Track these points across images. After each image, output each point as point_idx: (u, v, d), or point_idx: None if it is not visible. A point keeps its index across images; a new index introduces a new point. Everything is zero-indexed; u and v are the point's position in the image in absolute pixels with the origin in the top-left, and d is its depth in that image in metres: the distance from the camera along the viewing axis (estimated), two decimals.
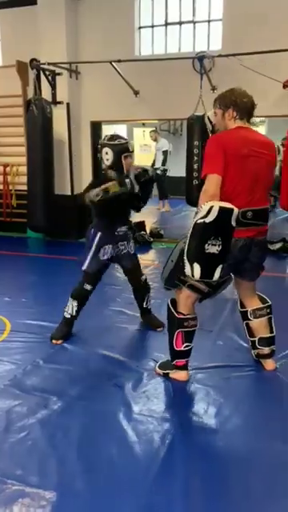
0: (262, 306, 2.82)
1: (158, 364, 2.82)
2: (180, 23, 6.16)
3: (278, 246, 5.86)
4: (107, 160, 3.18)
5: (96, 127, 6.75)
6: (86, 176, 6.74)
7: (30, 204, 6.07)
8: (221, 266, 2.26)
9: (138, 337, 3.47)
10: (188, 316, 2.60)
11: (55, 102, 6.21)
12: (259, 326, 2.81)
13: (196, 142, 5.43)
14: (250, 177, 2.38)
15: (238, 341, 3.26)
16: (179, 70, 5.80)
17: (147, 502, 1.81)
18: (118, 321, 3.69)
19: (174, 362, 2.69)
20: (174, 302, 2.65)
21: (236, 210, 2.22)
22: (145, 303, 3.53)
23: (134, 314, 3.72)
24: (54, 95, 6.24)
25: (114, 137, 3.24)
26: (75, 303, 3.26)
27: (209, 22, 6.02)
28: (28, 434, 2.23)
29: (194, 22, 6.09)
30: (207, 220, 2.17)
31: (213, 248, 2.20)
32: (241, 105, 2.50)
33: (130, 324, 3.62)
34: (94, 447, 2.15)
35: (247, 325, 2.86)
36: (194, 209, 4.50)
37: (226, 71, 5.54)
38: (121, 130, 12.55)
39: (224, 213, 2.19)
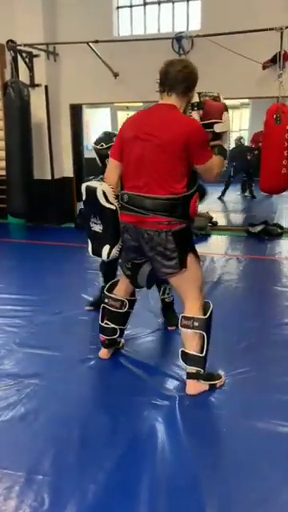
0: (189, 315, 2.33)
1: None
2: (159, 2, 6.05)
3: (259, 228, 5.88)
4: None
5: (76, 110, 6.65)
6: (66, 160, 6.67)
7: (8, 189, 6.00)
8: (108, 247, 2.37)
9: None
10: (112, 295, 2.64)
11: (33, 85, 6.09)
12: (183, 336, 2.39)
13: None
14: (134, 161, 2.22)
15: None
16: (159, 50, 5.68)
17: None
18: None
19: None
20: (115, 282, 2.72)
21: (100, 190, 2.30)
22: (161, 293, 3.24)
23: None
24: (31, 77, 6.11)
25: (99, 139, 3.12)
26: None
27: (187, 1, 5.92)
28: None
29: (172, 2, 5.99)
30: (83, 199, 2.44)
31: (95, 226, 2.41)
32: (159, 75, 2.24)
33: None
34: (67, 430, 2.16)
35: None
36: None
37: (206, 52, 5.47)
38: (104, 113, 12.44)
39: (89, 192, 2.37)
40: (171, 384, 2.52)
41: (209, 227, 6.16)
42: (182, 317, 2.36)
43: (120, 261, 2.54)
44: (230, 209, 8.62)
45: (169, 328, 3.17)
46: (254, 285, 4.15)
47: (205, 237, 5.86)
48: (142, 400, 2.36)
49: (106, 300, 2.66)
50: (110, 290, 2.67)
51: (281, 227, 6.03)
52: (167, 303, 3.25)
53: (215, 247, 5.55)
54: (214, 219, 6.48)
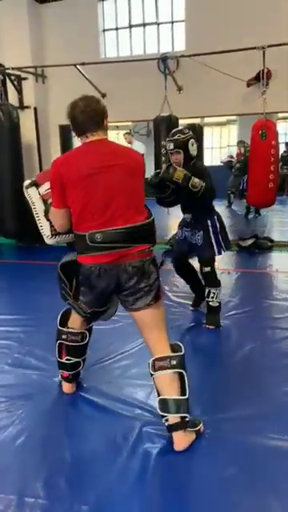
0: (163, 355, 2.11)
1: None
2: (144, 25, 6.20)
3: (250, 242, 5.92)
4: None
5: (65, 131, 6.74)
6: None
7: (0, 210, 6.02)
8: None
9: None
10: (69, 330, 2.49)
11: (22, 107, 6.20)
12: (160, 382, 2.11)
13: (163, 143, 5.46)
14: (101, 195, 2.04)
15: None
16: (145, 71, 5.83)
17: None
18: None
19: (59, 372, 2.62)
20: (66, 314, 2.55)
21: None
22: (206, 296, 3.51)
23: None
24: (20, 100, 6.23)
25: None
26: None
27: (172, 23, 6.08)
28: None
29: (157, 24, 6.14)
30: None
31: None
32: (78, 118, 2.10)
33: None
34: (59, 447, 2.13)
35: (153, 380, 2.16)
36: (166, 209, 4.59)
37: (191, 72, 5.61)
38: None
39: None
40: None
41: None
42: (155, 360, 2.10)
43: (74, 303, 2.29)
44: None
45: (206, 327, 3.45)
46: (245, 298, 4.16)
47: None
48: (134, 424, 2.31)
49: (64, 336, 2.49)
50: (64, 324, 2.51)
51: (271, 240, 6.08)
52: (210, 306, 3.48)
53: None
54: None
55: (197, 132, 7.84)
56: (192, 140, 3.31)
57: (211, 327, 3.45)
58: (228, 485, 1.88)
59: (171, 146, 3.30)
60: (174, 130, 3.43)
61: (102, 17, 6.34)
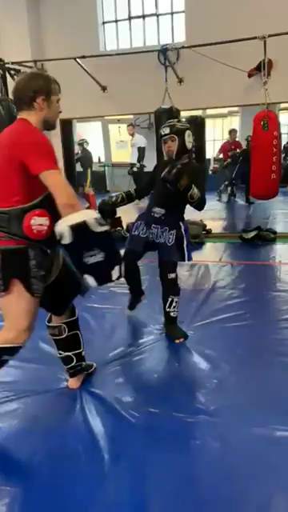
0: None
1: None
2: (143, 16, 6.15)
3: (252, 234, 5.90)
4: None
5: (66, 125, 6.72)
6: None
7: None
8: (117, 267, 2.04)
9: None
10: (48, 325, 2.46)
11: None
12: None
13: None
14: None
15: None
16: (145, 63, 5.79)
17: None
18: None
19: None
20: None
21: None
22: (167, 306, 3.16)
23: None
24: None
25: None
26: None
27: (172, 14, 6.03)
28: None
29: (157, 15, 6.09)
30: (66, 241, 1.99)
31: (93, 258, 2.01)
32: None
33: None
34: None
35: None
36: None
37: (192, 63, 5.57)
38: (96, 126, 12.54)
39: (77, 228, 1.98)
40: (161, 402, 2.51)
41: (203, 235, 6.19)
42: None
43: None
44: (224, 216, 8.66)
45: (176, 341, 3.09)
46: (248, 290, 4.16)
47: (199, 245, 5.88)
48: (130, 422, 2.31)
49: (48, 331, 2.47)
50: (49, 320, 2.46)
51: (274, 232, 6.06)
52: (170, 317, 3.17)
53: (209, 254, 5.57)
54: (207, 227, 6.52)
55: (199, 124, 7.90)
56: (189, 132, 3.07)
57: (181, 340, 3.09)
58: (234, 475, 1.90)
59: (167, 130, 3.02)
60: (171, 119, 3.29)
61: (102, 9, 6.29)
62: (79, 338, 2.52)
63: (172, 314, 3.15)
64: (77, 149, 9.73)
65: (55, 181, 1.93)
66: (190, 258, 3.14)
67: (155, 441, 2.13)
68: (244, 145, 9.45)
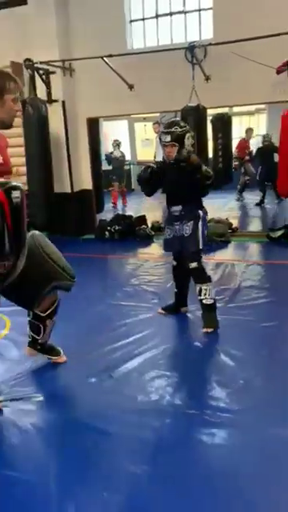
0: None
1: None
2: (170, 14, 6.13)
3: (279, 233, 5.82)
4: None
5: (93, 123, 6.76)
6: (84, 173, 6.77)
7: (31, 203, 6.10)
8: None
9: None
10: None
11: (50, 101, 6.24)
12: None
13: (192, 133, 5.41)
14: None
15: None
16: (172, 61, 5.77)
17: None
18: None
19: None
20: None
21: None
22: (198, 295, 3.28)
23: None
24: (48, 94, 6.26)
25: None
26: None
27: (199, 11, 5.99)
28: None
29: (184, 12, 6.06)
30: None
31: None
32: None
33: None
34: None
35: None
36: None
37: (219, 60, 5.52)
38: (122, 125, 12.58)
39: None
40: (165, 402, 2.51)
41: (229, 233, 6.13)
42: None
43: None
44: (250, 214, 8.56)
45: (203, 330, 3.24)
46: (274, 291, 4.11)
47: (225, 243, 5.83)
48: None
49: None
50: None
51: None
52: (204, 304, 3.26)
53: (235, 253, 5.53)
54: (233, 225, 6.46)
55: (225, 121, 7.81)
56: (188, 134, 3.17)
57: (209, 330, 3.21)
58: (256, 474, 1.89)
59: (167, 138, 3.14)
60: (171, 121, 3.31)
61: (129, 7, 6.30)
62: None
63: (204, 301, 3.25)
64: (110, 148, 10.06)
65: None
66: (204, 244, 3.27)
67: (180, 438, 2.14)
68: (258, 143, 9.42)
